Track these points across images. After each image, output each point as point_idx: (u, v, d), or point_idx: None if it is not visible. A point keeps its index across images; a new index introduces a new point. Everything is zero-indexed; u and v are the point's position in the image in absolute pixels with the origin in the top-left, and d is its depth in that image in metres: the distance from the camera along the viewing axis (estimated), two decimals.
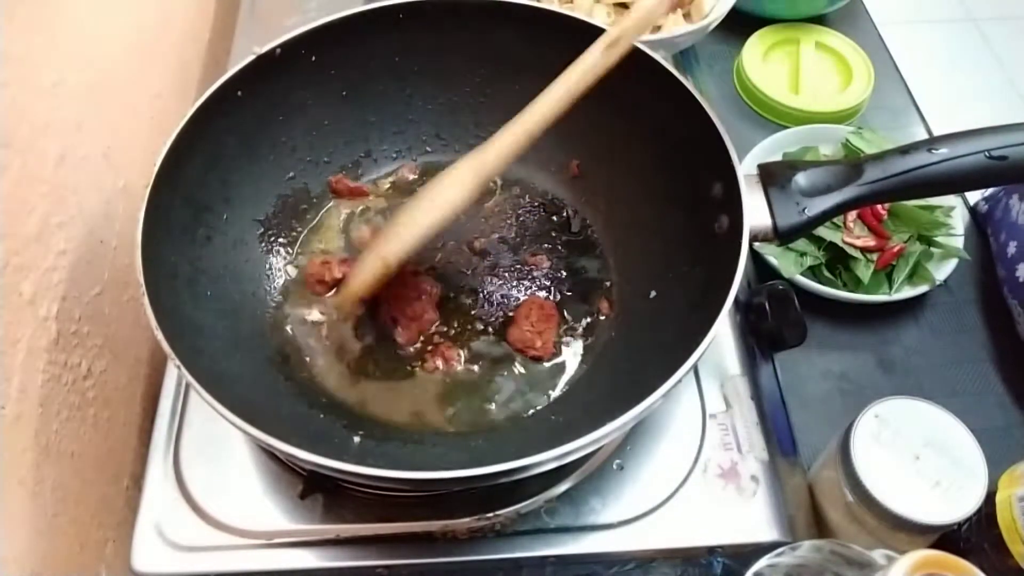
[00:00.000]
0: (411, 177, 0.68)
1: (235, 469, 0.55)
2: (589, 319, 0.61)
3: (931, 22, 2.11)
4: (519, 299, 0.61)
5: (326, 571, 0.52)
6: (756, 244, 0.53)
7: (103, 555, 0.55)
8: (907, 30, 1.92)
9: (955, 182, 0.49)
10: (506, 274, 0.63)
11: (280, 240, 0.63)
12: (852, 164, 0.49)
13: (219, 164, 0.57)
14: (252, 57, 0.56)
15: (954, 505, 0.48)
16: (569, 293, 0.62)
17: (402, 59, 0.64)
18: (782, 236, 0.49)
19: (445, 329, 0.60)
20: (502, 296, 0.62)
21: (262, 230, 0.62)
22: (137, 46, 0.68)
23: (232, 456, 0.56)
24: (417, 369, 0.58)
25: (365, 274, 0.54)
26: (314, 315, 0.60)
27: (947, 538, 0.52)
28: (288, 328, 0.59)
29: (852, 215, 0.72)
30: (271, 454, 0.55)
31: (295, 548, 0.52)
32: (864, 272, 0.70)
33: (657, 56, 0.56)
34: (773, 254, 0.72)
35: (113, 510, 0.57)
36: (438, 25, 0.62)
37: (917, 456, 0.50)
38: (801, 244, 0.71)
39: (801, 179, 0.50)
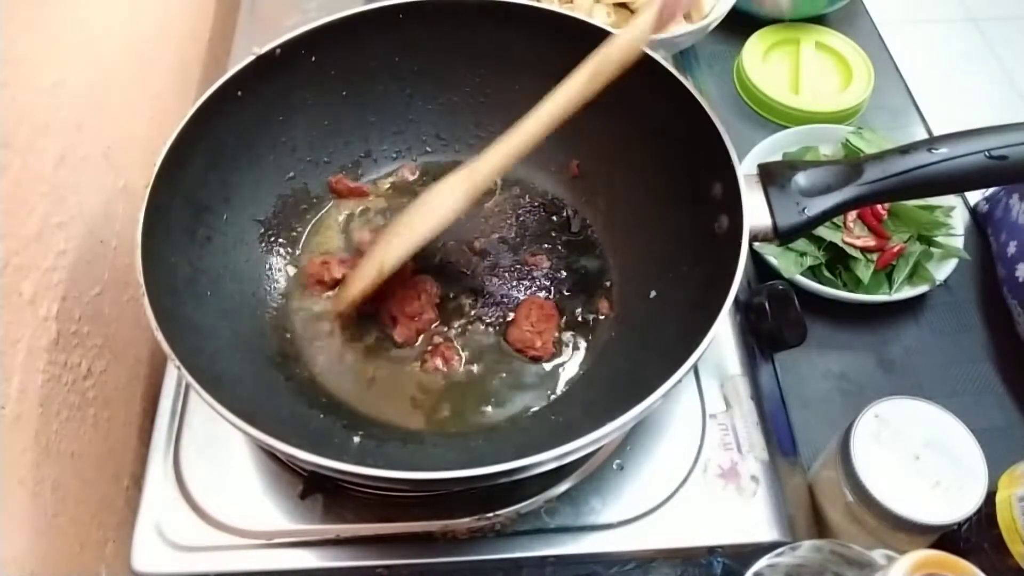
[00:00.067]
0: (411, 177, 0.68)
1: (235, 469, 0.55)
2: (589, 319, 0.61)
3: (931, 22, 2.11)
4: (519, 299, 0.61)
5: (326, 571, 0.52)
6: (756, 244, 0.53)
7: (103, 555, 0.55)
8: (907, 30, 1.92)
9: (955, 182, 0.49)
10: (506, 274, 0.63)
11: (280, 240, 0.63)
12: (852, 164, 0.49)
13: (219, 164, 0.57)
14: (252, 57, 0.56)
15: (954, 505, 0.48)
16: (569, 293, 0.62)
17: (402, 59, 0.64)
18: (782, 236, 0.49)
19: (445, 329, 0.60)
20: (502, 296, 0.62)
21: (262, 230, 0.62)
22: (137, 46, 0.68)
23: (232, 456, 0.56)
24: (417, 369, 0.58)
25: (362, 280, 0.56)
26: (314, 315, 0.60)
27: (947, 538, 0.52)
28: (288, 328, 0.59)
29: (852, 215, 0.72)
30: (271, 454, 0.55)
31: (295, 548, 0.52)
32: (864, 272, 0.70)
33: (657, 56, 0.56)
34: (773, 254, 0.72)
35: (113, 510, 0.57)
36: (438, 25, 0.62)
37: (917, 456, 0.50)
38: (801, 244, 0.71)
39: (801, 179, 0.50)
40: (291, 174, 0.64)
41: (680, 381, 0.43)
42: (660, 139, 0.58)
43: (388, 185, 0.68)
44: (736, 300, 0.50)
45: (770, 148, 0.79)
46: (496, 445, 0.54)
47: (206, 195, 0.56)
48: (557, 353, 0.59)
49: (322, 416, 0.54)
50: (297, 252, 0.63)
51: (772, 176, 0.50)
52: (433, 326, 0.60)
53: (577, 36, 0.57)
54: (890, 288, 0.71)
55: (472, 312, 0.61)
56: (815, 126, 0.81)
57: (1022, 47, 2.04)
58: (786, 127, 0.83)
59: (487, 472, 0.41)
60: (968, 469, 0.49)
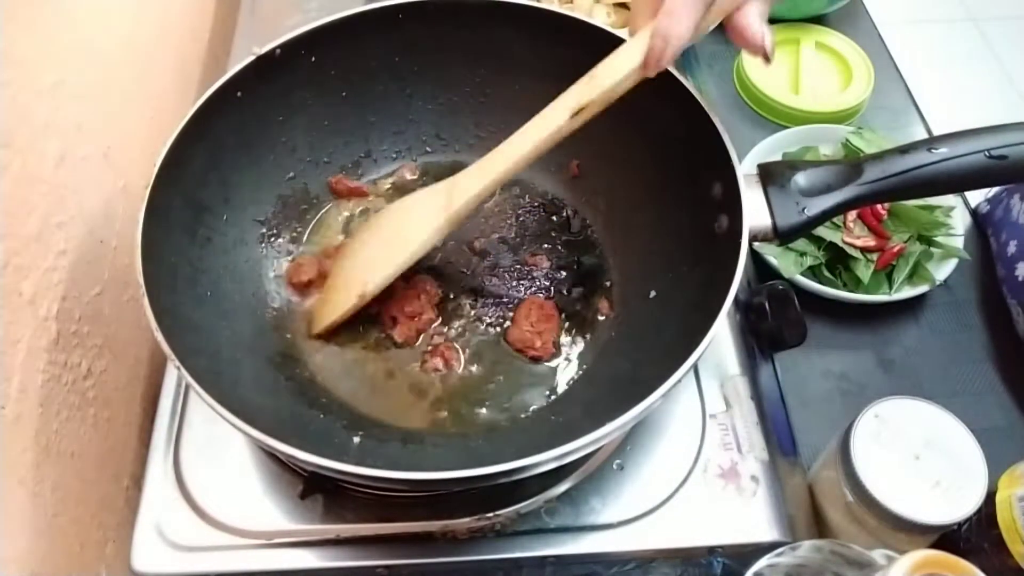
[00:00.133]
0: (411, 177, 0.68)
1: (235, 469, 0.55)
2: (589, 319, 0.61)
3: (931, 22, 2.11)
4: (519, 299, 0.61)
5: (326, 571, 0.52)
6: (756, 244, 0.53)
7: (103, 555, 0.55)
8: (907, 30, 1.92)
9: (955, 182, 0.49)
10: (506, 274, 0.63)
11: (280, 240, 0.63)
12: (852, 164, 0.49)
13: (219, 164, 0.57)
14: (252, 57, 0.56)
15: (954, 505, 0.48)
16: (569, 293, 0.62)
17: (402, 59, 0.64)
18: (782, 236, 0.49)
19: (445, 329, 0.60)
20: (502, 296, 0.62)
21: (262, 230, 0.62)
22: (137, 46, 0.68)
23: (232, 456, 0.56)
24: (417, 369, 0.58)
25: (342, 308, 0.57)
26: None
27: (947, 538, 0.52)
28: (288, 328, 0.59)
29: (852, 215, 0.72)
30: (271, 454, 0.55)
31: (295, 548, 0.52)
32: (864, 272, 0.70)
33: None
34: (773, 254, 0.72)
35: (113, 510, 0.57)
36: (438, 25, 0.62)
37: (917, 456, 0.50)
38: (801, 244, 0.71)
39: (801, 179, 0.50)
40: (291, 174, 0.64)
41: (680, 381, 0.43)
42: (660, 139, 0.58)
43: (388, 185, 0.68)
44: (736, 300, 0.50)
45: (770, 148, 0.79)
46: (496, 445, 0.54)
47: (206, 195, 0.56)
48: (557, 353, 0.59)
49: (322, 416, 0.54)
50: (297, 252, 0.63)
51: (772, 176, 0.50)
52: (433, 326, 0.60)
53: (577, 36, 0.57)
54: (890, 288, 0.71)
55: (472, 312, 0.61)
56: (815, 126, 0.81)
57: (1022, 47, 2.04)
58: (786, 127, 0.83)
59: (487, 472, 0.41)
60: (968, 469, 0.49)
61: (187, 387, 0.58)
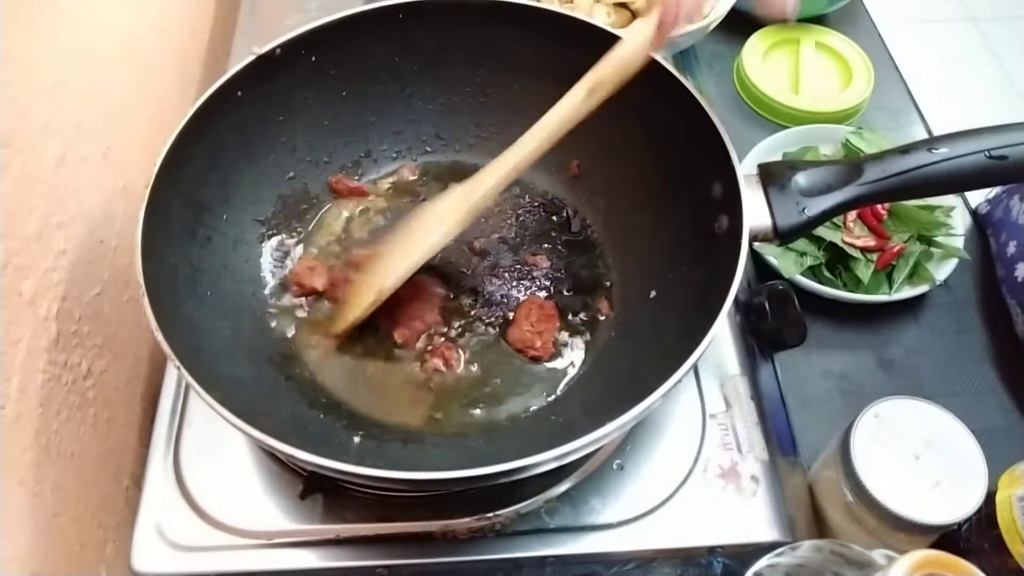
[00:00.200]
0: (411, 177, 0.68)
1: (235, 469, 0.55)
2: (589, 319, 0.61)
3: (931, 22, 2.11)
4: (519, 299, 0.61)
5: (326, 571, 0.52)
6: (756, 244, 0.53)
7: (103, 555, 0.55)
8: (907, 30, 1.92)
9: (955, 182, 0.49)
10: (506, 274, 0.63)
11: (280, 240, 0.63)
12: (852, 164, 0.49)
13: (219, 164, 0.57)
14: (252, 57, 0.56)
15: (954, 505, 0.48)
16: (569, 293, 0.62)
17: (402, 59, 0.64)
18: (782, 236, 0.49)
19: (445, 329, 0.60)
20: (502, 296, 0.62)
21: (262, 230, 0.62)
22: (137, 46, 0.68)
23: (232, 456, 0.56)
24: (417, 369, 0.58)
25: (361, 304, 0.56)
26: (314, 315, 0.60)
27: (947, 538, 0.52)
28: (288, 328, 0.59)
29: (852, 215, 0.72)
30: (271, 454, 0.55)
31: (295, 548, 0.52)
32: (864, 272, 0.70)
33: (657, 56, 0.56)
34: (773, 254, 0.72)
35: (113, 510, 0.57)
36: (438, 25, 0.62)
37: (917, 456, 0.50)
38: (801, 244, 0.71)
39: (801, 179, 0.50)
40: (291, 174, 0.64)
41: (680, 381, 0.43)
42: (660, 139, 0.58)
43: (388, 185, 0.68)
44: (736, 300, 0.50)
45: (770, 148, 0.79)
46: (496, 445, 0.54)
47: (206, 195, 0.56)
48: (557, 353, 0.59)
49: (322, 416, 0.54)
50: (297, 252, 0.63)
51: (772, 176, 0.50)
52: (434, 328, 0.60)
53: (577, 36, 0.57)
54: (890, 288, 0.71)
55: (472, 312, 0.61)
56: (815, 126, 0.81)
57: (1022, 47, 2.04)
58: (786, 127, 0.83)
59: (487, 472, 0.41)
60: (968, 469, 0.49)
61: (187, 387, 0.58)
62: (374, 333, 0.59)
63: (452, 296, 0.61)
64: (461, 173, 0.60)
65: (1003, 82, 1.97)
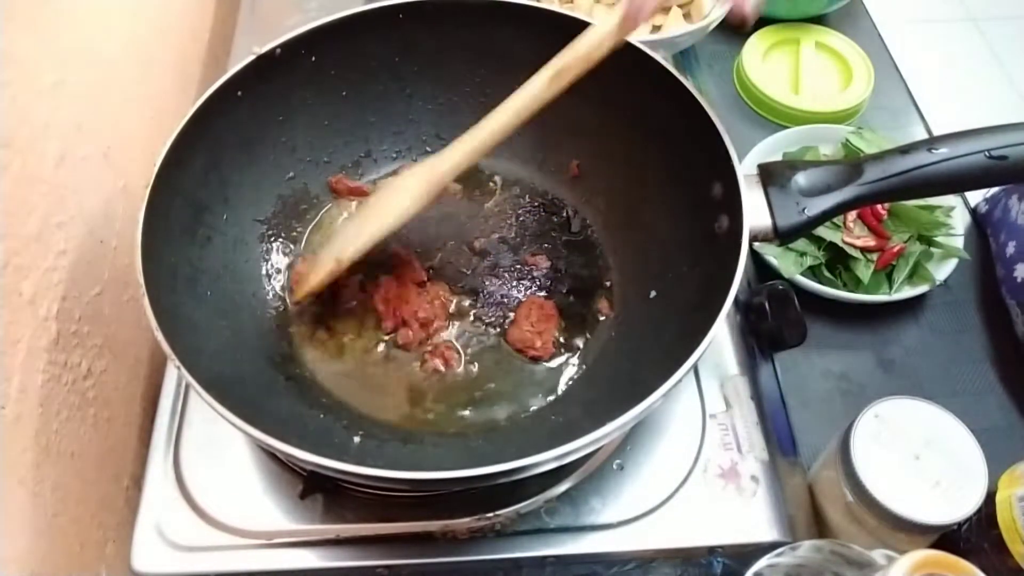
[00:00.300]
0: None
1: (235, 469, 0.55)
2: (589, 319, 0.61)
3: (931, 22, 2.11)
4: (519, 299, 0.61)
5: (326, 571, 0.52)
6: (756, 244, 0.53)
7: (103, 555, 0.55)
8: (907, 30, 1.92)
9: (955, 182, 0.49)
10: (506, 274, 0.63)
11: (280, 240, 0.63)
12: (852, 164, 0.49)
13: (219, 164, 0.57)
14: (252, 57, 0.56)
15: (954, 505, 0.48)
16: (569, 293, 0.62)
17: (402, 59, 0.64)
18: (782, 236, 0.49)
19: (445, 329, 0.60)
20: (502, 296, 0.62)
21: (262, 230, 0.62)
22: (137, 46, 0.68)
23: (232, 456, 0.56)
24: (417, 369, 0.58)
25: (320, 271, 0.56)
26: (314, 315, 0.60)
27: (947, 538, 0.52)
28: (288, 328, 0.59)
29: (852, 215, 0.72)
30: (271, 454, 0.55)
31: (295, 548, 0.52)
32: (864, 272, 0.70)
33: (657, 56, 0.56)
34: (773, 254, 0.72)
35: (113, 510, 0.57)
36: (438, 25, 0.62)
37: (917, 456, 0.50)
38: (801, 244, 0.71)
39: (801, 179, 0.50)
40: (291, 174, 0.64)
41: (680, 381, 0.43)
42: (660, 139, 0.58)
43: None
44: (736, 300, 0.50)
45: (770, 148, 0.79)
46: (496, 445, 0.54)
47: (206, 195, 0.56)
48: (557, 353, 0.59)
49: (322, 416, 0.54)
50: (297, 252, 0.63)
51: (772, 176, 0.50)
52: (433, 327, 0.60)
53: (577, 36, 0.57)
54: (890, 288, 0.71)
55: (472, 312, 0.61)
56: (815, 126, 0.81)
57: (1022, 47, 2.04)
58: (786, 127, 0.83)
59: (487, 472, 0.41)
60: (968, 469, 0.49)
61: (187, 387, 0.58)
62: (375, 334, 0.59)
63: (452, 296, 0.61)
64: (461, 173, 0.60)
65: (1003, 82, 1.97)
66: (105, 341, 0.57)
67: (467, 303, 0.61)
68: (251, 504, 0.54)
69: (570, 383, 0.57)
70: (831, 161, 0.53)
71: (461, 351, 0.59)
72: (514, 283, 0.63)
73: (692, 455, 0.56)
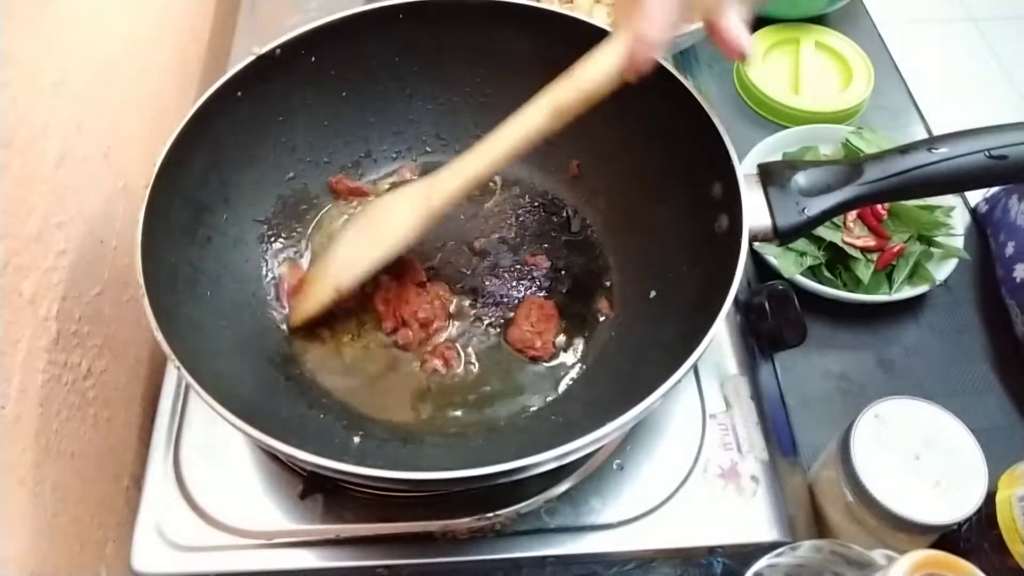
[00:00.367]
0: (411, 177, 0.68)
1: (235, 469, 0.55)
2: (589, 319, 0.61)
3: (931, 22, 2.11)
4: (519, 299, 0.61)
5: (326, 571, 0.52)
6: (756, 244, 0.53)
7: (103, 555, 0.55)
8: (907, 30, 1.92)
9: (955, 182, 0.49)
10: (506, 274, 0.63)
11: (280, 240, 0.63)
12: (852, 164, 0.49)
13: (219, 164, 0.57)
14: (252, 57, 0.56)
15: (954, 505, 0.48)
16: (569, 293, 0.62)
17: (402, 59, 0.64)
18: (782, 236, 0.49)
19: (445, 329, 0.60)
20: (502, 296, 0.62)
21: (262, 230, 0.62)
22: (137, 46, 0.68)
23: (232, 456, 0.56)
24: (417, 369, 0.58)
25: (318, 301, 0.57)
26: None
27: (947, 538, 0.52)
28: (288, 328, 0.59)
29: (852, 215, 0.72)
30: (271, 454, 0.55)
31: (295, 548, 0.52)
32: (864, 272, 0.70)
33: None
34: (773, 254, 0.72)
35: (113, 510, 0.57)
36: (438, 25, 0.62)
37: (917, 456, 0.50)
38: (801, 244, 0.71)
39: (801, 179, 0.50)
40: (291, 174, 0.64)
41: (680, 381, 0.43)
42: (660, 139, 0.58)
43: (388, 185, 0.68)
44: (736, 300, 0.50)
45: (770, 148, 0.79)
46: (496, 445, 0.54)
47: (206, 195, 0.56)
48: (557, 353, 0.59)
49: (322, 416, 0.54)
50: (297, 252, 0.63)
51: (772, 176, 0.50)
52: (433, 327, 0.60)
53: (577, 36, 0.56)
54: (890, 288, 0.71)
55: (472, 312, 0.61)
56: (815, 126, 0.81)
57: (1022, 47, 2.04)
58: (786, 127, 0.83)
59: (487, 472, 0.41)
60: (968, 469, 0.49)
61: (187, 387, 0.58)
62: (376, 333, 0.59)
63: (452, 296, 0.61)
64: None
65: (1003, 82, 1.97)
66: (105, 341, 0.57)
67: (467, 303, 0.61)
68: (251, 504, 0.54)
69: (570, 383, 0.57)
70: (831, 161, 0.53)
71: (461, 351, 0.59)
72: (514, 283, 0.63)
73: (692, 455, 0.56)
